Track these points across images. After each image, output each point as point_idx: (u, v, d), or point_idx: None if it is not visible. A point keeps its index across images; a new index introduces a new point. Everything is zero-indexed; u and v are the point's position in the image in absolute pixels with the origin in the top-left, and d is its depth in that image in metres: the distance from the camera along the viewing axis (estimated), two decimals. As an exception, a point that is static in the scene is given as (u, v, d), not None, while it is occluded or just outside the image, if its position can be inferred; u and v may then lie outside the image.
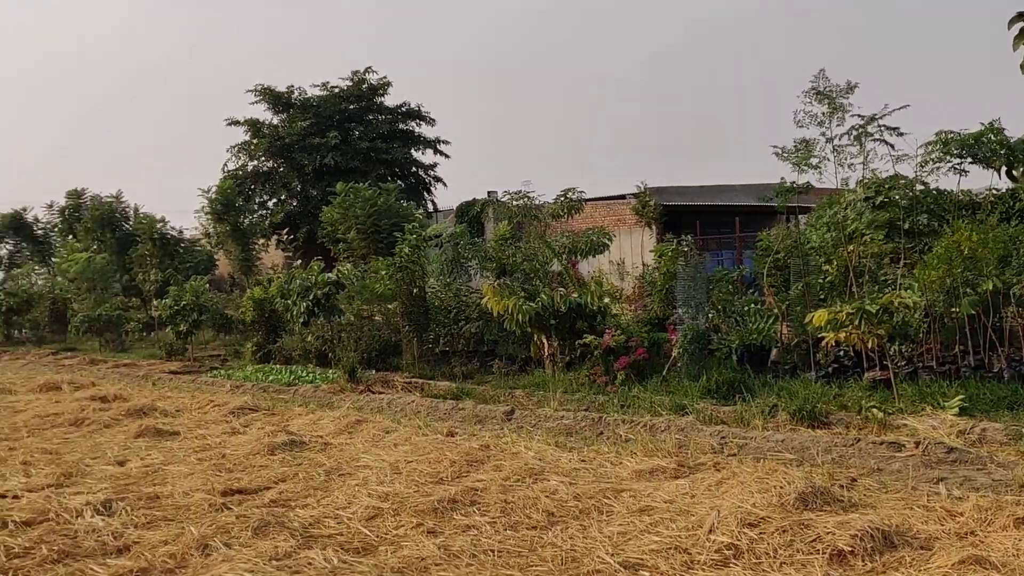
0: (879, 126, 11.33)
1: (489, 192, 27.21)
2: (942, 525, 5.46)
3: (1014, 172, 12.16)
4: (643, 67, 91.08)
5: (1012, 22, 11.79)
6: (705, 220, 24.61)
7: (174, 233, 29.13)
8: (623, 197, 27.33)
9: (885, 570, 4.81)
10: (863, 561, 4.90)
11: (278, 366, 17.24)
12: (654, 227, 25.43)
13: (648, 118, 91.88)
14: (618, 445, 8.55)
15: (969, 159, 11.39)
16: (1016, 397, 9.15)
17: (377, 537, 5.85)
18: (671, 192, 26.90)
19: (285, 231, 34.83)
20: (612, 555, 5.24)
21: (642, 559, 5.18)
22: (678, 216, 26.00)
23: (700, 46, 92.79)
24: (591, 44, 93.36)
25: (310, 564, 5.29)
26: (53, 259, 38.39)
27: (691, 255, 14.10)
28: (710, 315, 12.87)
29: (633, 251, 25.01)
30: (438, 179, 38.16)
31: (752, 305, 12.95)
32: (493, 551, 5.43)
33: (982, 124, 11.56)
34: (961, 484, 6.67)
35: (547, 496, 6.49)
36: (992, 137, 11.27)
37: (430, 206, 36.99)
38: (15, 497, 7.17)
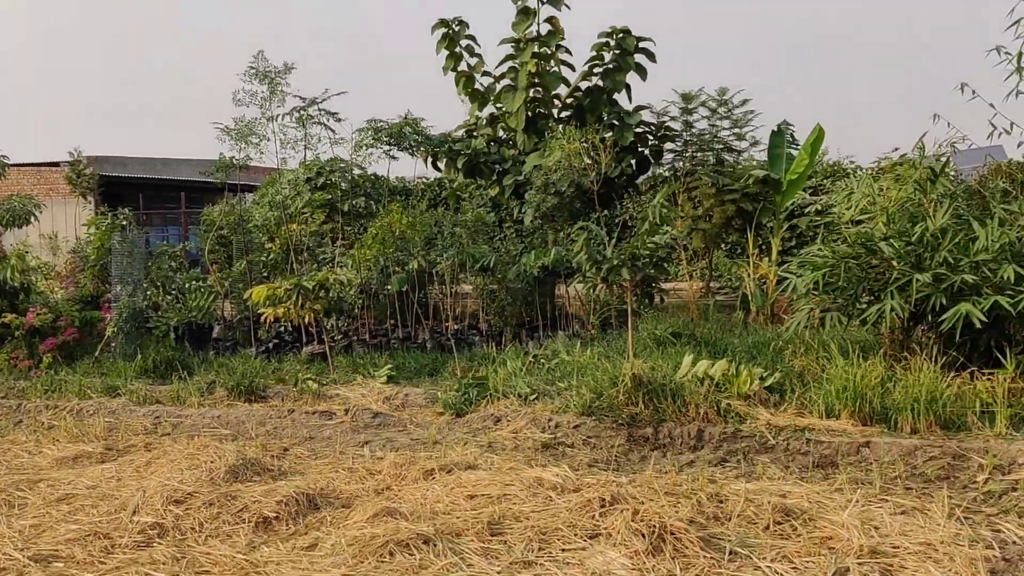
0: (319, 109, 11.73)
1: None
2: (363, 484, 5.84)
3: (439, 164, 13.49)
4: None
5: (435, 28, 13.08)
6: (150, 194, 23.54)
7: None
8: (56, 164, 24.87)
9: (307, 531, 4.99)
10: (287, 525, 5.04)
11: None
12: (91, 198, 23.56)
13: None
14: (39, 433, 8.02)
15: (396, 147, 12.34)
16: (436, 365, 10.20)
17: None
18: (112, 162, 25.20)
19: None
20: (22, 550, 4.79)
21: (57, 550, 4.82)
22: (121, 188, 24.44)
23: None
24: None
25: None
26: None
27: (129, 229, 13.25)
28: (149, 292, 12.26)
29: (68, 224, 22.86)
30: None
31: (194, 282, 12.61)
32: None
33: (399, 116, 12.55)
34: (384, 445, 7.21)
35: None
36: (410, 129, 12.31)
37: None
38: None
